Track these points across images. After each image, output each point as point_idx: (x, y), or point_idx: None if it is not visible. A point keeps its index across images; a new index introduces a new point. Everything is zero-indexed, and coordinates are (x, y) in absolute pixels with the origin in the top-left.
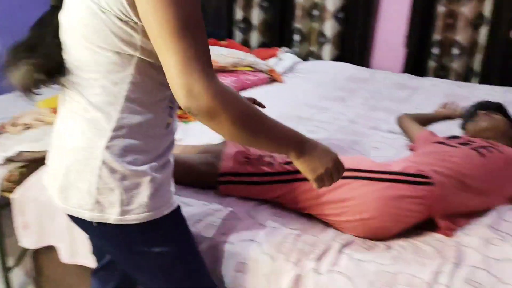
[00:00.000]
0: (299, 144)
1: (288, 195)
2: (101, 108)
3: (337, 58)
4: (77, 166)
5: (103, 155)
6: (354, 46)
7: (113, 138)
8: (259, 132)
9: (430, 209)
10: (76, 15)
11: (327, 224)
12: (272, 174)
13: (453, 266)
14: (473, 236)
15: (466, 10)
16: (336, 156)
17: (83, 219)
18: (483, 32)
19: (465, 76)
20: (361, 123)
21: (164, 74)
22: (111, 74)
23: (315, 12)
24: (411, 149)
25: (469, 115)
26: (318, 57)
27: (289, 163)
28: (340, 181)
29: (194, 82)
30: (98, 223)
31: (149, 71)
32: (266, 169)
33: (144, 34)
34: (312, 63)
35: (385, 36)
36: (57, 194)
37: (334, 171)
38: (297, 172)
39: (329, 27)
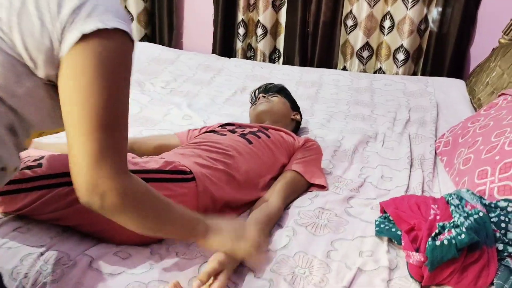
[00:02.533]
0: (203, 231)
1: (34, 206)
2: None
3: (146, 38)
4: None
5: None
6: (162, 26)
7: None
8: (168, 228)
9: (197, 206)
10: None
11: (86, 234)
12: (10, 182)
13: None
14: None
15: None
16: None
17: None
18: (283, 13)
19: (271, 56)
20: (154, 110)
21: None
22: None
23: None
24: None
25: (253, 100)
26: None
27: (31, 167)
28: None
29: (102, 180)
30: None
31: None
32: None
33: (34, 89)
34: None
35: (194, 15)
36: None
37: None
38: (42, 177)
39: (133, 3)
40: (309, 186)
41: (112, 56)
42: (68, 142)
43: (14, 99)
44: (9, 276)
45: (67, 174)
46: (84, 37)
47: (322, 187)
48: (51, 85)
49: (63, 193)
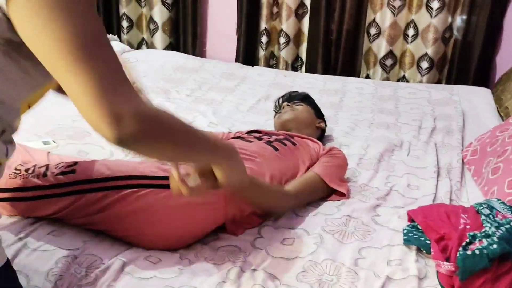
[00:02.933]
0: (228, 152)
1: (67, 210)
2: None
3: (171, 46)
4: None
5: None
6: (186, 34)
7: None
8: (196, 149)
9: (225, 213)
10: None
11: (117, 239)
12: (45, 187)
13: (239, 270)
14: (266, 236)
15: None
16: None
17: None
18: (306, 21)
19: (293, 64)
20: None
21: None
22: None
23: None
24: None
25: (277, 109)
26: (151, 45)
27: (65, 173)
28: (126, 191)
29: (121, 106)
30: None
31: None
32: (37, 181)
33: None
34: (141, 52)
35: (217, 24)
36: None
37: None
38: (75, 183)
39: (158, 13)
40: (329, 195)
41: None
42: (65, 89)
43: None
44: (45, 278)
45: (100, 180)
46: None
47: (342, 195)
48: (9, 48)
49: (95, 198)
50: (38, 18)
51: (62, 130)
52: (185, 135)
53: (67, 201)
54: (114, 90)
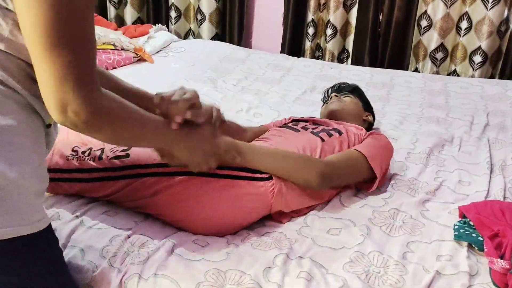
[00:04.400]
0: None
1: (121, 193)
2: None
3: (217, 37)
4: None
5: None
6: (233, 25)
7: None
8: (137, 135)
9: (270, 208)
10: None
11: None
12: (100, 170)
13: (285, 257)
14: (312, 225)
15: None
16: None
17: None
18: (354, 13)
19: (340, 56)
20: (226, 106)
21: None
22: None
23: None
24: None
25: (325, 99)
26: (198, 35)
27: (120, 157)
28: (178, 178)
29: (69, 101)
30: None
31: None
32: (93, 164)
33: (15, 24)
34: (188, 42)
35: (264, 15)
36: None
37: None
38: (129, 167)
39: (206, 3)
40: (366, 182)
41: None
42: (33, 64)
43: (6, 42)
44: (99, 254)
45: (153, 166)
46: None
47: (371, 185)
48: None
49: (148, 183)
50: None
51: None
52: (131, 124)
53: (120, 184)
54: (73, 85)
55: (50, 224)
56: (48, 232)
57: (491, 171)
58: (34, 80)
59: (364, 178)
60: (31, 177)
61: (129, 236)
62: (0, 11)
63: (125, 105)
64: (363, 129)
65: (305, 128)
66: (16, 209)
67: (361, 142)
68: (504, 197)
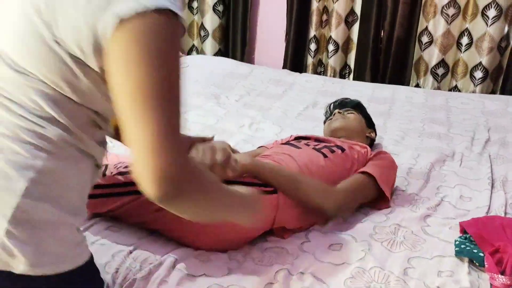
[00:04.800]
0: (253, 208)
1: (124, 209)
2: None
3: (220, 53)
4: None
5: None
6: (236, 41)
7: None
8: (223, 210)
9: (273, 221)
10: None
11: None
12: (104, 186)
13: (287, 273)
14: (313, 240)
15: (338, 7)
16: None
17: None
18: (355, 29)
19: (341, 72)
20: (229, 121)
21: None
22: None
23: (195, 4)
24: None
25: (327, 114)
26: (201, 51)
27: (123, 173)
28: None
29: (170, 166)
30: None
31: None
32: (97, 180)
33: (94, 81)
34: (191, 58)
35: (267, 31)
36: None
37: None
38: (132, 184)
39: (209, 20)
40: (374, 200)
41: (155, 37)
42: (128, 133)
43: (80, 95)
44: (102, 270)
45: None
46: (123, 21)
47: (385, 205)
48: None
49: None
50: (128, 61)
51: None
52: (220, 195)
53: (124, 200)
54: (172, 148)
55: (91, 256)
56: (89, 265)
57: (492, 186)
58: (98, 127)
59: (373, 198)
60: (72, 214)
61: (131, 252)
62: (82, 67)
63: (207, 173)
64: (367, 147)
65: (307, 145)
66: (56, 245)
67: (366, 161)
68: (505, 213)
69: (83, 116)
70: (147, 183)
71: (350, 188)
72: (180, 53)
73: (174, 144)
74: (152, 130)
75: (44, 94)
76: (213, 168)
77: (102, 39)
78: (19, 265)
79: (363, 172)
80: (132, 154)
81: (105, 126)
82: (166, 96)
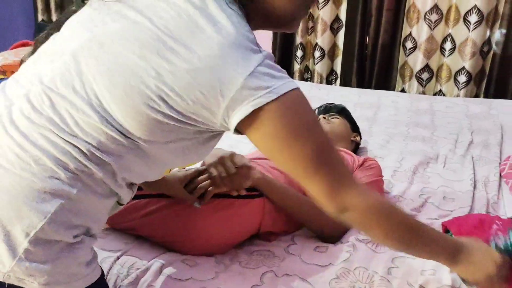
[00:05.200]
0: (452, 254)
1: (112, 215)
2: None
3: None
4: None
5: None
6: None
7: None
8: (413, 245)
9: (259, 225)
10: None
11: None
12: None
13: (273, 275)
14: (299, 243)
15: (324, 14)
16: (499, 260)
17: None
18: (341, 36)
19: (328, 78)
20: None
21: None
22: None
23: None
24: None
25: None
26: None
27: None
28: (169, 200)
29: (345, 201)
30: None
31: None
32: None
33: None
34: None
35: None
36: None
37: (498, 278)
38: None
39: None
40: None
41: (291, 113)
42: (308, 188)
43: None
44: None
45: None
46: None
47: None
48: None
49: (139, 205)
50: (275, 140)
51: None
52: (406, 231)
53: None
54: (342, 188)
55: (102, 272)
56: (100, 281)
57: (475, 187)
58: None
59: None
60: (88, 236)
61: (118, 258)
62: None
63: (398, 209)
64: (353, 154)
65: None
66: (72, 266)
67: (354, 170)
68: (487, 212)
69: (120, 178)
70: (335, 217)
71: None
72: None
73: (344, 184)
74: (323, 181)
75: (112, 138)
76: (232, 179)
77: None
78: (34, 284)
79: None
80: (318, 201)
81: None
82: (322, 153)
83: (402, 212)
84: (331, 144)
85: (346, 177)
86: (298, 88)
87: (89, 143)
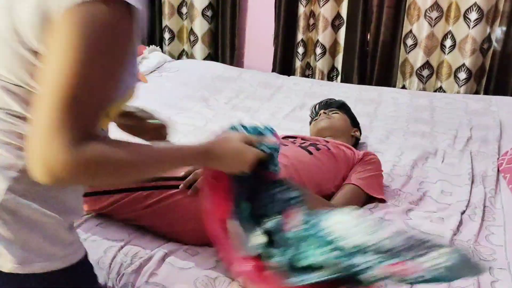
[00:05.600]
0: (202, 157)
1: (114, 206)
2: None
3: (210, 57)
4: None
5: None
6: (225, 46)
7: None
8: (146, 170)
9: None
10: None
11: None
12: None
13: None
14: None
15: (325, 11)
16: (252, 155)
17: None
18: (342, 32)
19: (329, 75)
20: (218, 123)
21: None
22: None
23: (184, 10)
24: None
25: (313, 115)
26: (191, 56)
27: None
28: (170, 191)
29: (53, 155)
30: None
31: None
32: None
33: None
34: (181, 62)
35: (255, 36)
36: None
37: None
38: None
39: (198, 25)
40: (368, 200)
41: (91, 28)
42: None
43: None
44: (96, 266)
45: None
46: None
47: (382, 200)
48: None
49: (141, 196)
50: (58, 48)
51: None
52: (133, 163)
53: (114, 198)
54: (59, 139)
55: (85, 255)
56: (83, 263)
57: (472, 182)
58: None
59: (365, 201)
60: (63, 213)
61: (122, 247)
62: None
63: (114, 149)
64: (353, 149)
65: (293, 143)
66: (45, 244)
67: (354, 163)
68: (484, 206)
69: None
70: (34, 172)
71: (345, 202)
72: (130, 47)
73: (66, 137)
74: (48, 119)
75: (11, 93)
76: None
77: (52, 21)
78: (7, 263)
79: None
80: (30, 135)
81: None
82: (81, 93)
83: (117, 150)
84: (103, 95)
85: (79, 129)
86: (129, 9)
87: (1, 107)
